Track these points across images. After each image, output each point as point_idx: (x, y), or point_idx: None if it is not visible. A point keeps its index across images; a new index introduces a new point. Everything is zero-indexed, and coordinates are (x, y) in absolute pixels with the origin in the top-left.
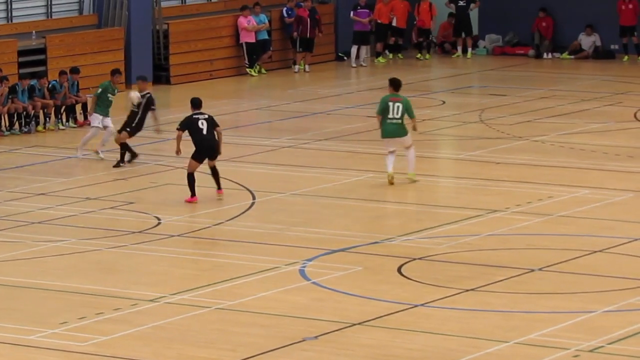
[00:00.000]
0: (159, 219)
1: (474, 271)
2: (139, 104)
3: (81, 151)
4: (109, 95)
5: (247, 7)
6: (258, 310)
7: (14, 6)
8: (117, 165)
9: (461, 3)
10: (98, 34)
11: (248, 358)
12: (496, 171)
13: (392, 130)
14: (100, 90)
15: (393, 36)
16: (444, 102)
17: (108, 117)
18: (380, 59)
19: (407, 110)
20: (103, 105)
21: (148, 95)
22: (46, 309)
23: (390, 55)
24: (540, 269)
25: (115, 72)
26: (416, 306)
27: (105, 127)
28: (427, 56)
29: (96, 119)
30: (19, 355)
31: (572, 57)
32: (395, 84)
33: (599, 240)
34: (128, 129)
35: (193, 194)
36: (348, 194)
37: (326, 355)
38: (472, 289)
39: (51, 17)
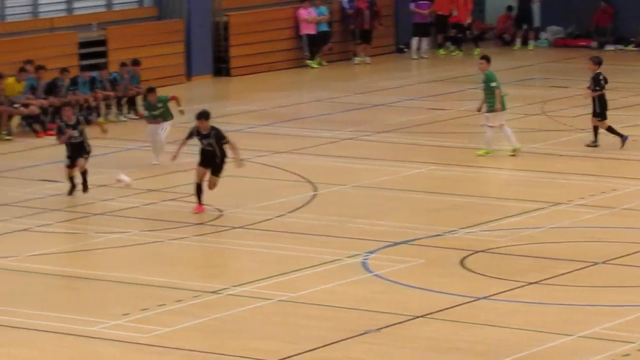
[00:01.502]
0: (220, 210)
1: (537, 264)
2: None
3: (156, 159)
4: (152, 111)
5: None
6: (320, 302)
7: None
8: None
9: None
10: (158, 25)
11: (309, 350)
12: (559, 164)
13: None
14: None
15: (454, 28)
16: (505, 95)
17: (163, 121)
18: (442, 50)
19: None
20: (150, 117)
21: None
22: (108, 301)
23: (452, 48)
24: (603, 262)
25: (149, 90)
26: (479, 299)
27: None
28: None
29: (149, 128)
30: (81, 347)
31: (637, 49)
32: (488, 59)
33: None
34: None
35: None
36: (410, 186)
37: (388, 348)
38: (535, 282)
39: (111, 8)
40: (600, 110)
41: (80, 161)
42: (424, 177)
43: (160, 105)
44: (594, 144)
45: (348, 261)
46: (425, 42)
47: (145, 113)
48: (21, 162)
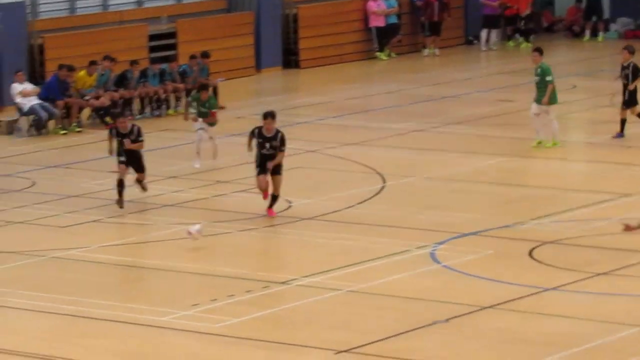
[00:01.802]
0: (289, 202)
1: (606, 255)
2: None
3: (197, 162)
4: (200, 107)
5: None
6: (388, 293)
7: None
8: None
9: None
10: (228, 18)
11: (378, 341)
12: (628, 155)
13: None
14: (190, 99)
15: (514, 21)
16: (574, 86)
17: (211, 126)
18: (510, 42)
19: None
20: (202, 116)
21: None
22: (178, 291)
23: (521, 40)
24: None
25: (200, 88)
26: (547, 290)
27: (210, 138)
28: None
29: (197, 125)
30: (151, 336)
31: None
32: (541, 51)
33: None
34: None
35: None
36: (478, 177)
37: (457, 338)
38: (603, 273)
39: (181, 1)
40: (629, 98)
41: (140, 176)
42: (493, 168)
43: (208, 105)
44: (621, 135)
45: (417, 252)
46: (494, 34)
47: (192, 109)
48: (91, 154)
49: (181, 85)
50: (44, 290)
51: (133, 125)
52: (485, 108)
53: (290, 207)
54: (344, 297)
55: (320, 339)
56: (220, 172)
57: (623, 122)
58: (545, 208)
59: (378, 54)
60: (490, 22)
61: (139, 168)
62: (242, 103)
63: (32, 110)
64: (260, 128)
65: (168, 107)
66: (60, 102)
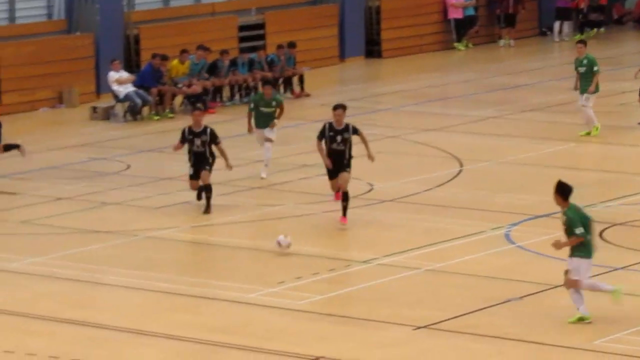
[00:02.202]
0: (371, 185)
1: None
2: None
3: (265, 172)
4: (262, 108)
5: None
6: (465, 272)
7: None
8: None
9: None
10: (313, 10)
11: (455, 317)
12: None
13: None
14: (252, 104)
15: (594, 12)
16: None
17: (269, 128)
18: (579, 35)
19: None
20: (260, 119)
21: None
22: (265, 269)
23: (594, 31)
24: None
25: (265, 83)
26: (616, 269)
27: (267, 141)
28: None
29: (257, 133)
30: (240, 312)
31: None
32: (585, 42)
33: None
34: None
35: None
36: (551, 162)
37: (529, 315)
38: None
39: None
40: None
41: (204, 174)
42: (565, 153)
43: (274, 104)
44: None
45: (492, 233)
46: (566, 26)
47: (251, 105)
48: None
49: (269, 74)
50: (137, 268)
51: (206, 127)
52: (557, 96)
53: (372, 189)
54: (422, 275)
55: (399, 316)
56: (306, 156)
57: None
58: (615, 191)
59: (456, 44)
60: (563, 14)
61: (207, 166)
62: (326, 91)
63: (127, 97)
64: (330, 123)
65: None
66: (154, 90)
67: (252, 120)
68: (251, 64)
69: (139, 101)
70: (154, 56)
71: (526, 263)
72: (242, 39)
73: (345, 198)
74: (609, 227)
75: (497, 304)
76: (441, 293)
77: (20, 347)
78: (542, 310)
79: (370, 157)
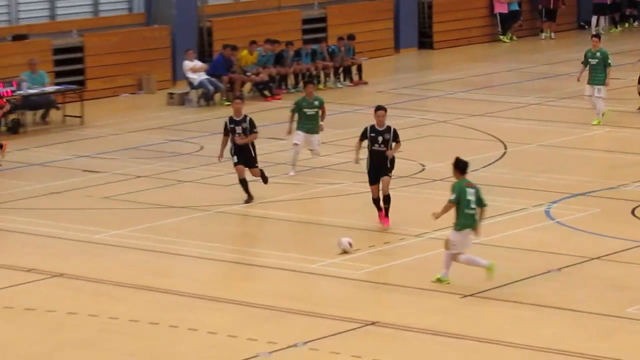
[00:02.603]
0: (423, 165)
1: None
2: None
3: (293, 171)
4: (306, 110)
5: None
6: (508, 245)
7: None
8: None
9: None
10: (371, 5)
11: (499, 286)
12: None
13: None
14: (294, 106)
15: (629, 7)
16: None
17: (313, 133)
18: (613, 28)
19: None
20: (302, 122)
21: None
22: (325, 242)
23: (626, 24)
24: None
25: (306, 83)
26: None
27: (311, 151)
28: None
29: (297, 137)
30: (303, 281)
31: None
32: (599, 37)
33: None
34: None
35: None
36: (588, 145)
37: (567, 285)
38: None
39: None
40: None
41: (254, 171)
42: (602, 138)
43: (316, 103)
44: None
45: (533, 210)
46: (603, 20)
47: (293, 107)
48: None
49: (330, 63)
50: (208, 240)
51: (246, 116)
52: None
53: (423, 169)
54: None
55: (448, 285)
56: None
57: None
58: None
59: (501, 37)
60: (600, 9)
61: (250, 163)
62: (382, 79)
63: (201, 84)
64: (372, 125)
65: (318, 83)
66: (225, 78)
67: (295, 124)
68: (314, 55)
69: (211, 88)
70: (225, 47)
71: (565, 237)
72: (305, 31)
73: (387, 200)
74: (639, 206)
75: (538, 275)
76: None
77: (103, 311)
78: (578, 281)
79: (390, 153)
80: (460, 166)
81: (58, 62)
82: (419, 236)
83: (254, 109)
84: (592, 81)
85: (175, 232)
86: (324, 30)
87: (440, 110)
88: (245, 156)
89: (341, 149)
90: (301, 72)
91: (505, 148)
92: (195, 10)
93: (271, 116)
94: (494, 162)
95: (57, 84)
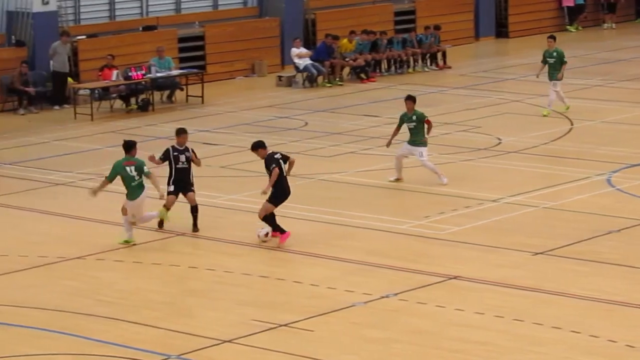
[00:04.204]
0: (499, 139)
1: None
2: None
3: (443, 177)
4: (407, 124)
5: None
6: (573, 209)
7: None
8: None
9: None
10: None
11: (565, 246)
12: None
13: None
14: (400, 121)
15: None
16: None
17: (419, 146)
18: None
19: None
20: (413, 136)
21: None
22: (414, 206)
23: None
24: None
25: (408, 98)
26: None
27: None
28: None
29: (402, 149)
30: (392, 239)
31: None
32: (554, 37)
33: None
34: None
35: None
36: None
37: (627, 244)
38: None
39: None
40: None
41: (190, 195)
42: None
43: (414, 118)
44: None
45: (596, 178)
46: None
47: (399, 122)
48: (349, 102)
49: (418, 50)
50: (312, 204)
51: (187, 147)
52: None
53: (500, 142)
54: (540, 212)
55: (521, 244)
56: (449, 116)
57: None
58: None
59: (568, 27)
60: None
61: (187, 187)
62: (464, 64)
63: (305, 69)
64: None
65: (408, 67)
66: (327, 63)
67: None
68: (404, 43)
69: (314, 72)
70: (327, 36)
71: (623, 202)
72: (397, 22)
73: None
74: None
75: (599, 235)
76: (554, 226)
77: (219, 265)
78: (635, 240)
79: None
80: (124, 146)
81: (182, 50)
82: (495, 201)
83: (351, 90)
84: (551, 77)
85: None
86: (413, 21)
87: (514, 91)
88: (184, 181)
89: None
90: (393, 57)
91: (571, 124)
92: (301, 4)
93: (367, 96)
94: (561, 136)
95: (181, 68)
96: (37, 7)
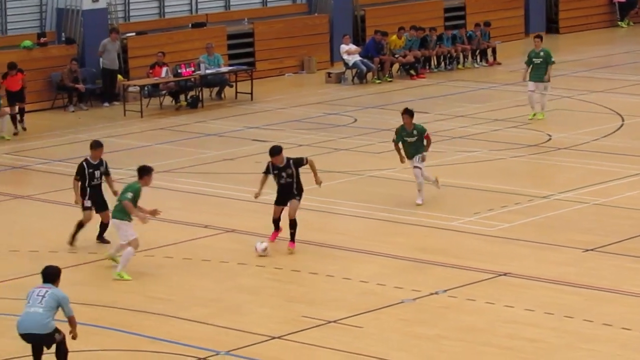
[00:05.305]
0: (550, 135)
1: None
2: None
3: (420, 198)
4: (406, 138)
5: None
6: (625, 205)
7: None
8: None
9: None
10: None
11: (616, 242)
12: None
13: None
14: (395, 137)
15: None
16: None
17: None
18: None
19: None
20: (408, 149)
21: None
22: (463, 203)
23: None
24: None
25: (405, 112)
26: None
27: (415, 168)
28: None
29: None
30: (442, 236)
31: None
32: (541, 37)
33: None
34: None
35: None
36: None
37: None
38: None
39: None
40: None
41: (105, 215)
42: None
43: (415, 132)
44: None
45: None
46: None
47: (394, 137)
48: (399, 98)
49: (468, 47)
50: (361, 201)
51: (102, 159)
52: None
53: (550, 139)
54: (591, 208)
55: (571, 240)
56: (498, 112)
57: None
58: None
59: (619, 22)
60: None
61: (102, 207)
62: (514, 60)
63: (355, 65)
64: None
65: (458, 63)
66: (376, 59)
67: (402, 152)
68: (454, 39)
69: (364, 68)
70: (376, 32)
71: None
72: (446, 19)
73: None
74: None
75: None
76: (605, 222)
77: (270, 262)
78: None
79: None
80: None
81: (231, 46)
82: (545, 197)
83: (400, 87)
84: (535, 78)
85: (333, 193)
86: (463, 17)
87: (565, 87)
88: (97, 200)
89: (479, 121)
90: (443, 54)
91: (623, 120)
92: (350, 1)
93: (416, 92)
94: (612, 132)
95: (230, 65)
96: (87, 4)
